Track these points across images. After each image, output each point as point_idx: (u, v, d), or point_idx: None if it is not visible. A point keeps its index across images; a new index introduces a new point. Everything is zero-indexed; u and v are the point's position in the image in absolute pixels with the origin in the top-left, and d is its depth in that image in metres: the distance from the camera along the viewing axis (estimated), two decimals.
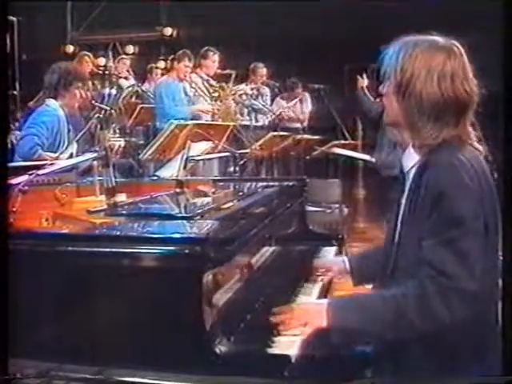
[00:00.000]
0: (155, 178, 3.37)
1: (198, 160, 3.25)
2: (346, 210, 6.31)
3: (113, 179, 2.15)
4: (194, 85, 6.48)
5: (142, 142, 6.38)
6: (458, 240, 1.76)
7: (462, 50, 1.89)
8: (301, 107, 7.98)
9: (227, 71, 6.81)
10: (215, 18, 8.49)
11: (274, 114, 7.26)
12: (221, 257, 1.69)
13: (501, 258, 2.33)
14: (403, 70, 1.86)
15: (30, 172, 2.20)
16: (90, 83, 5.15)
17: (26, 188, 2.17)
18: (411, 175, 1.96)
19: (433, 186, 1.82)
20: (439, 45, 1.87)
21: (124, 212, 2.04)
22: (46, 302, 1.58)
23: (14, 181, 2.09)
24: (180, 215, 1.92)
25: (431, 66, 1.83)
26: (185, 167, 2.88)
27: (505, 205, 1.99)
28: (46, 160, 3.69)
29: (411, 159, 1.97)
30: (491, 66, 2.04)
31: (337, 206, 6.12)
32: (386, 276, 1.99)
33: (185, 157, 2.89)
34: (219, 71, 6.90)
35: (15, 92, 6.85)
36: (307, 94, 8.06)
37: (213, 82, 6.79)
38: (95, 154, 2.20)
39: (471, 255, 1.76)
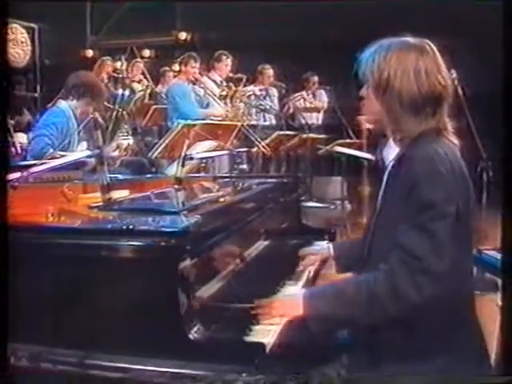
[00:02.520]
0: (160, 175, 3.40)
1: (196, 158, 3.26)
2: (349, 207, 6.31)
3: (107, 176, 2.19)
4: (202, 85, 6.51)
5: (155, 140, 6.43)
6: (428, 224, 1.78)
7: (434, 48, 1.95)
8: (315, 100, 8.06)
9: (239, 75, 6.88)
10: (228, 23, 8.52)
11: (285, 108, 7.31)
12: (201, 248, 1.72)
13: (500, 256, 2.35)
14: (380, 72, 1.90)
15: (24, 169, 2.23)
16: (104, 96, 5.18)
17: (28, 184, 2.24)
18: (389, 167, 2.00)
19: (408, 175, 1.86)
20: (411, 44, 1.93)
21: (116, 207, 2.07)
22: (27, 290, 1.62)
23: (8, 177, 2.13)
24: (167, 210, 1.94)
25: (406, 65, 1.88)
26: (183, 165, 2.92)
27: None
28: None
29: (392, 152, 2.01)
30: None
31: (339, 202, 6.14)
32: (363, 263, 2.03)
33: (183, 155, 2.92)
34: (231, 75, 6.96)
35: (36, 94, 6.94)
36: (322, 91, 8.11)
37: (224, 84, 6.84)
38: (89, 153, 2.23)
39: (441, 239, 1.78)
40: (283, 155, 6.65)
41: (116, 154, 4.34)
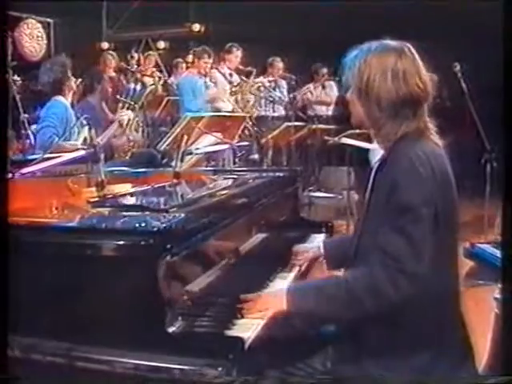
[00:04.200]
0: (161, 169, 3.43)
1: (195, 153, 3.28)
2: (356, 197, 6.30)
3: (102, 174, 2.22)
4: (214, 80, 6.53)
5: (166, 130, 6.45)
6: (406, 225, 1.80)
7: (413, 50, 1.95)
8: (324, 92, 8.04)
9: (249, 68, 6.88)
10: (241, 15, 8.51)
11: (295, 100, 7.29)
12: (185, 245, 1.75)
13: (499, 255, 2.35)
14: (361, 75, 1.93)
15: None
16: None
17: (33, 178, 2.27)
18: (374, 169, 2.01)
19: (388, 178, 1.88)
20: (390, 47, 1.94)
21: (109, 204, 2.10)
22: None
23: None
24: (157, 208, 1.97)
25: (384, 67, 1.90)
26: (182, 160, 2.94)
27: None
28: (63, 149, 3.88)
29: (377, 154, 2.03)
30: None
31: (346, 192, 6.13)
32: (351, 262, 2.05)
33: (182, 150, 2.95)
34: (241, 67, 6.97)
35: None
36: (331, 82, 8.08)
37: (235, 77, 6.84)
38: (83, 152, 2.26)
39: (419, 240, 1.80)
40: (292, 146, 6.64)
41: (119, 132, 4.39)
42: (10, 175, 2.73)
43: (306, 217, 3.33)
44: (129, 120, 4.26)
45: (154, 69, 8.08)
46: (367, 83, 1.90)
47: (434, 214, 1.83)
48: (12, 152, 5.35)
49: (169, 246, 1.61)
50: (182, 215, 1.84)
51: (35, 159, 3.57)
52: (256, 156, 6.86)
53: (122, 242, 1.61)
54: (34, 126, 5.79)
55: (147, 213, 1.89)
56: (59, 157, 2.57)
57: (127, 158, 4.50)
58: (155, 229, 1.62)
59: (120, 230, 1.66)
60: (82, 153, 2.29)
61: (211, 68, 6.63)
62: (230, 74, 6.93)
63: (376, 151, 2.05)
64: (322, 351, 2.05)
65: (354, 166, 6.25)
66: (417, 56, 1.94)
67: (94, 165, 2.25)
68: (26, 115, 5.53)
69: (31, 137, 5.49)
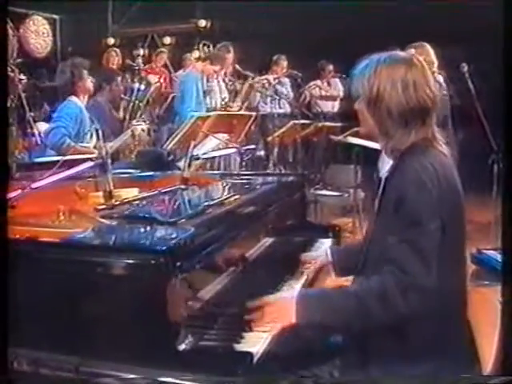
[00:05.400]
0: (169, 172, 3.42)
1: (202, 158, 3.28)
2: (362, 195, 6.29)
3: (111, 184, 2.22)
4: (210, 79, 6.47)
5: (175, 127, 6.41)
6: (416, 239, 1.82)
7: (422, 60, 1.98)
8: (330, 88, 8.02)
9: (247, 72, 6.79)
10: (248, 11, 8.47)
11: (301, 97, 7.26)
12: (194, 261, 1.75)
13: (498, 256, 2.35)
14: (370, 86, 1.94)
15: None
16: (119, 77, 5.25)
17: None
18: (383, 179, 2.02)
19: (397, 190, 1.90)
20: (399, 58, 1.96)
21: (116, 215, 2.10)
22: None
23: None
24: (166, 220, 1.96)
25: (394, 78, 1.91)
26: (189, 165, 2.93)
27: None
28: (74, 151, 3.89)
29: (386, 164, 2.04)
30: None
31: (351, 190, 6.13)
32: (359, 271, 2.06)
33: (189, 155, 2.93)
34: (240, 70, 6.87)
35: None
36: (337, 79, 8.07)
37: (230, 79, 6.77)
38: (92, 163, 2.26)
39: (428, 254, 1.82)
40: (298, 144, 6.62)
41: (130, 141, 4.41)
42: (17, 179, 2.78)
43: (313, 219, 3.32)
44: (142, 130, 4.25)
45: (162, 67, 8.02)
46: (377, 94, 1.92)
47: (441, 226, 1.85)
48: (18, 151, 5.38)
49: (178, 263, 1.61)
50: (191, 228, 1.84)
51: (42, 162, 3.60)
52: (262, 152, 6.86)
53: (131, 261, 1.61)
54: (40, 124, 5.80)
55: (156, 225, 1.89)
56: (68, 167, 2.57)
57: (133, 156, 4.51)
58: (164, 248, 1.62)
59: (130, 248, 1.65)
60: (90, 164, 2.29)
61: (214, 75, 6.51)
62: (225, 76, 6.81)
63: (384, 161, 2.06)
64: (330, 360, 2.05)
65: (361, 164, 6.24)
66: (425, 66, 1.97)
67: (103, 175, 2.24)
68: (32, 114, 5.54)
69: (37, 135, 5.50)
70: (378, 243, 1.95)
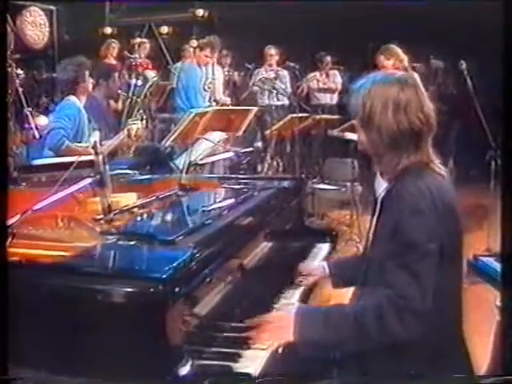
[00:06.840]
0: (167, 175, 3.41)
1: (200, 164, 3.28)
2: (359, 189, 6.30)
3: (109, 200, 2.22)
4: (210, 71, 6.46)
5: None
6: (413, 264, 1.82)
7: (417, 81, 1.96)
8: (330, 79, 7.99)
9: (246, 65, 6.78)
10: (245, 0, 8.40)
11: (299, 90, 7.23)
12: (194, 283, 1.76)
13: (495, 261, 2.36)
14: (363, 105, 1.94)
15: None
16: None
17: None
18: (379, 201, 2.02)
19: (392, 213, 1.90)
20: (393, 78, 1.96)
21: (115, 231, 2.10)
22: None
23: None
24: (165, 239, 1.97)
25: (386, 98, 1.90)
26: (187, 172, 2.93)
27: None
28: (73, 152, 3.88)
29: (380, 186, 2.04)
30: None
31: (349, 184, 6.14)
32: (359, 287, 2.07)
33: (187, 162, 2.93)
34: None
35: (54, 75, 6.95)
36: (335, 71, 8.04)
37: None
38: (90, 180, 2.26)
39: (425, 277, 1.83)
40: (296, 137, 6.60)
41: (126, 140, 4.40)
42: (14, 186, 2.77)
43: (310, 224, 3.33)
44: (137, 129, 4.24)
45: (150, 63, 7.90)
46: (369, 113, 1.91)
47: (438, 249, 1.86)
48: (15, 145, 5.36)
49: (177, 289, 1.62)
50: (189, 249, 1.85)
51: (40, 165, 3.60)
52: (259, 144, 6.83)
53: (130, 289, 1.61)
54: (38, 119, 5.77)
55: (154, 245, 1.90)
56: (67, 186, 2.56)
57: (131, 152, 4.50)
58: (163, 276, 1.62)
59: (128, 276, 1.66)
60: (88, 181, 2.29)
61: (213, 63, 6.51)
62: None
63: (379, 182, 2.06)
64: (327, 375, 2.07)
65: (358, 158, 6.24)
66: (420, 86, 1.94)
67: (100, 191, 2.24)
68: (30, 108, 5.51)
69: (34, 129, 5.47)
70: (376, 264, 1.95)
